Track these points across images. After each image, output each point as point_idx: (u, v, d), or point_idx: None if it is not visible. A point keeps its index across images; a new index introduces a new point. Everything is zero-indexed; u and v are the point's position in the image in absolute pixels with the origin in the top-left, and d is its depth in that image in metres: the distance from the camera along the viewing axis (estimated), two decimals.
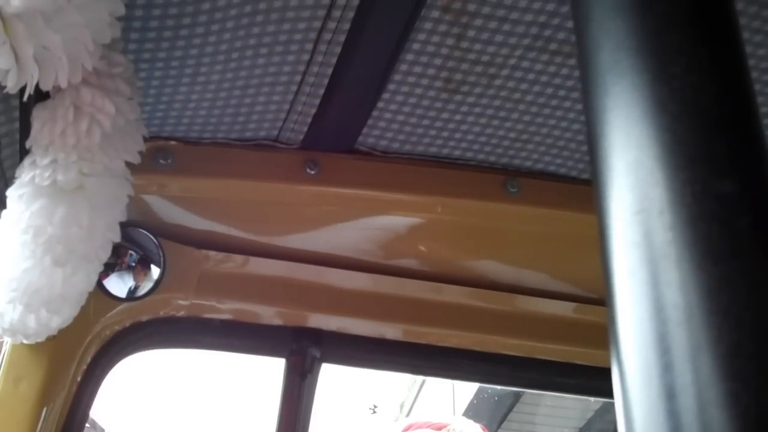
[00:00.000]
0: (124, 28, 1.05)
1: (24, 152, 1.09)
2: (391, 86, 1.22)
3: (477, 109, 1.28)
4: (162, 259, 1.41)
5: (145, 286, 1.41)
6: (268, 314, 1.52)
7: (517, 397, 8.28)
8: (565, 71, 1.19)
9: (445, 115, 1.29)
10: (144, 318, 1.44)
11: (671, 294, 0.38)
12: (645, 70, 0.42)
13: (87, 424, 1.37)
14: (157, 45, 1.11)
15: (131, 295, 1.40)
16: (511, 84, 1.22)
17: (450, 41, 1.14)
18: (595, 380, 1.63)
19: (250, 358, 1.63)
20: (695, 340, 0.37)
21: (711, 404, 0.35)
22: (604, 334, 0.42)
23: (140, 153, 1.12)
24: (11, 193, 1.09)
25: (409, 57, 1.17)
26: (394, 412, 11.80)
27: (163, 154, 1.29)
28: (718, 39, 0.43)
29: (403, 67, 1.19)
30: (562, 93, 1.24)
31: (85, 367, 1.36)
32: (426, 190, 1.38)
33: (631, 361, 0.39)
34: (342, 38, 1.13)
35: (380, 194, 1.38)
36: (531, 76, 1.20)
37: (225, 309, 1.49)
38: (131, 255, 1.41)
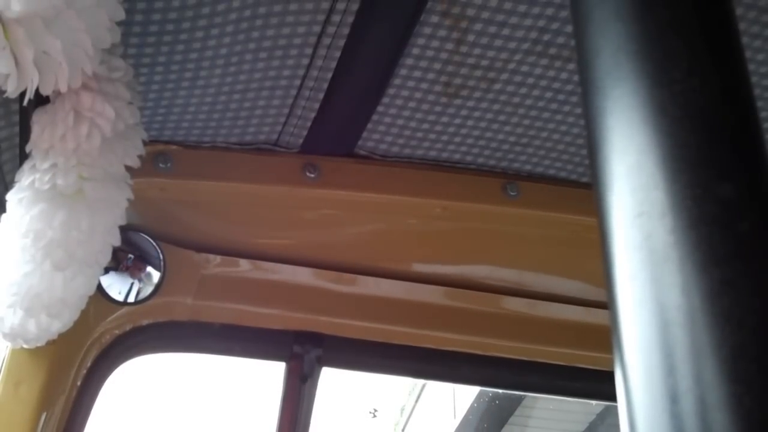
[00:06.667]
0: (124, 32, 1.05)
1: (24, 156, 1.09)
2: (391, 90, 1.23)
3: (476, 113, 1.28)
4: (162, 262, 1.41)
5: (145, 290, 1.41)
6: (269, 318, 1.51)
7: (518, 400, 8.27)
8: (564, 75, 1.20)
9: (444, 119, 1.29)
10: (144, 322, 1.44)
11: (673, 296, 0.38)
12: (645, 73, 0.43)
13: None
14: (156, 49, 1.11)
15: (131, 299, 1.40)
16: (510, 88, 1.22)
17: (449, 46, 1.14)
18: (597, 383, 1.63)
19: (250, 362, 1.63)
20: (697, 343, 0.37)
21: (713, 407, 0.35)
22: (606, 337, 0.42)
23: (140, 157, 1.12)
24: (11, 197, 1.09)
25: (409, 61, 1.17)
26: (395, 416, 11.78)
27: (162, 157, 1.29)
28: (718, 43, 0.44)
29: (403, 71, 1.19)
30: (561, 97, 1.24)
31: (85, 371, 1.36)
32: (425, 193, 1.38)
33: (634, 363, 0.39)
34: (341, 43, 1.13)
35: (380, 198, 1.38)
36: (530, 80, 1.20)
37: (225, 312, 1.49)
38: (131, 259, 1.41)
